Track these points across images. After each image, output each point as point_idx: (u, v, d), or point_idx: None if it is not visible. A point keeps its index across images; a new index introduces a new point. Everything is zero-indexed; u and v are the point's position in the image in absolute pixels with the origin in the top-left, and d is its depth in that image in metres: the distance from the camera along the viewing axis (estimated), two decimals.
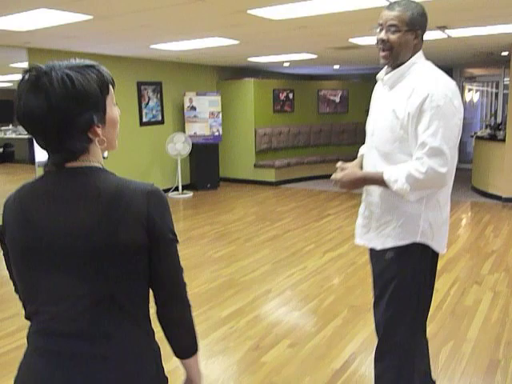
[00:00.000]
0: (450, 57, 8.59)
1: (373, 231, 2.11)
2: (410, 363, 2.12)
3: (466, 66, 11.19)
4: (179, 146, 8.50)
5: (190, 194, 8.72)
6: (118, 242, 1.06)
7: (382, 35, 1.94)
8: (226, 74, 10.04)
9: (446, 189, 2.01)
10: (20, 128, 6.62)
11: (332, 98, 10.87)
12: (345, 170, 2.08)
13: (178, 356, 1.23)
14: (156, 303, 1.17)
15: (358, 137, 10.48)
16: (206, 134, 9.02)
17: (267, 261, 4.97)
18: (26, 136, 6.71)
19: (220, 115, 9.08)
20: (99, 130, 1.12)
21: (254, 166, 9.62)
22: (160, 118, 8.71)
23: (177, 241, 1.17)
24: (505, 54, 7.97)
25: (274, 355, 3.09)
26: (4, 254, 1.18)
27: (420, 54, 2.00)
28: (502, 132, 7.69)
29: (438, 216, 2.01)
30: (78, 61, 1.11)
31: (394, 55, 1.95)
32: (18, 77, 1.08)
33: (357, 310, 3.72)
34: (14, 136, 6.91)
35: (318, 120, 10.75)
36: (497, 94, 11.08)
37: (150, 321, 1.18)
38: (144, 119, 8.39)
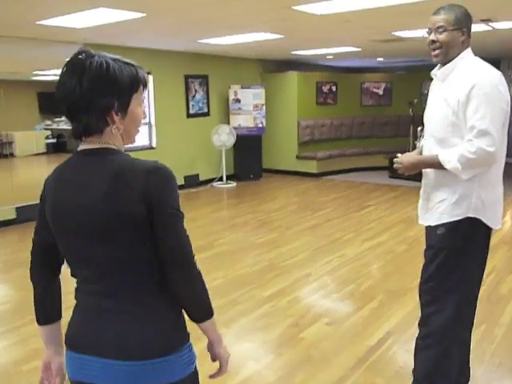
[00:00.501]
0: (496, 48, 8.49)
1: (430, 210, 2.31)
2: (451, 332, 2.28)
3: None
4: (224, 137, 8.78)
5: (233, 184, 9.00)
6: (122, 213, 1.19)
7: (432, 37, 2.18)
8: (270, 67, 10.24)
9: (496, 168, 2.18)
10: None
11: (375, 90, 10.90)
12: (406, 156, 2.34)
13: (192, 320, 1.31)
14: (164, 275, 1.25)
15: (401, 129, 10.46)
16: (249, 126, 9.27)
17: (307, 247, 5.18)
18: None
19: (264, 107, 9.30)
20: (116, 118, 1.24)
21: (297, 157, 9.80)
22: (206, 110, 9.02)
23: (180, 215, 1.26)
24: None
25: (313, 332, 3.30)
26: (41, 207, 1.35)
27: (468, 50, 2.20)
28: None
29: (490, 193, 2.19)
30: (123, 57, 1.29)
31: (444, 52, 2.18)
32: None
33: (393, 295, 3.88)
34: (66, 127, 7.29)
35: (361, 112, 10.82)
36: None
37: None
38: (191, 111, 8.72)
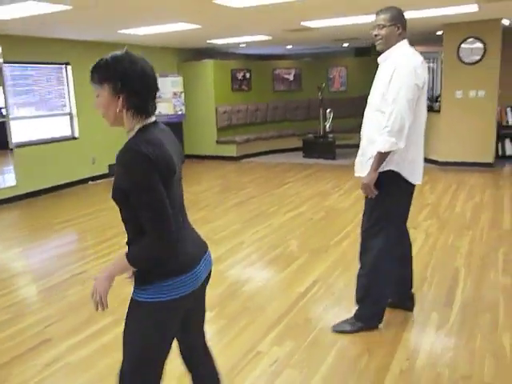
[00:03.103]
0: None
1: (364, 164, 2.92)
2: (380, 262, 2.93)
3: (410, 43, 12.04)
4: None
5: None
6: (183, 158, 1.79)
7: (376, 32, 2.87)
8: (186, 56, 10.54)
9: (411, 134, 2.76)
10: None
11: (286, 76, 11.57)
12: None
13: None
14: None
15: (311, 112, 11.25)
16: (169, 113, 9.56)
17: (236, 221, 5.67)
18: None
19: (182, 95, 9.63)
20: None
21: (216, 142, 10.25)
22: None
23: None
24: (439, 33, 8.83)
25: (249, 288, 3.80)
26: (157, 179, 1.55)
27: (404, 42, 2.84)
28: (437, 104, 8.61)
29: (403, 154, 2.79)
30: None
31: (384, 42, 2.85)
32: None
33: (315, 252, 4.47)
34: None
35: (274, 97, 11.45)
36: (436, 70, 12.05)
37: None
38: None
